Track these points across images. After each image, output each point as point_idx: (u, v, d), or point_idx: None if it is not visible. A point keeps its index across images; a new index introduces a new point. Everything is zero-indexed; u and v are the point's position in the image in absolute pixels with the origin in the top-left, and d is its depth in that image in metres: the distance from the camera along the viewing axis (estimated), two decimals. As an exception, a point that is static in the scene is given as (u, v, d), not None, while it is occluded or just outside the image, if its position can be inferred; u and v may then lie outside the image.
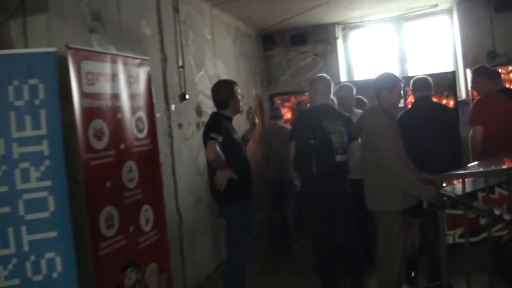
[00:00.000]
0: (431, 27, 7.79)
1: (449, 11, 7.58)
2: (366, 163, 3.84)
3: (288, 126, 6.18)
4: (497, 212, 2.71)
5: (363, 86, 6.61)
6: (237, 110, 4.13)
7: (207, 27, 5.64)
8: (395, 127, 3.80)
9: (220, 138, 3.69)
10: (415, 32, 7.82)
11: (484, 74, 4.80)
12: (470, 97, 6.96)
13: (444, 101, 6.86)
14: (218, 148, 3.65)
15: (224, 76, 5.91)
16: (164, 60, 4.52)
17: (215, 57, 5.77)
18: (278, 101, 7.44)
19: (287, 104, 7.35)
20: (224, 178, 3.78)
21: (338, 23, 7.70)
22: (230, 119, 4.04)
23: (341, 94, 5.04)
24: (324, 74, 4.56)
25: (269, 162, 6.14)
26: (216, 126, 3.80)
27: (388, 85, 3.78)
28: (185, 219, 4.62)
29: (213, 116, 4.04)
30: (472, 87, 5.06)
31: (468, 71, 6.93)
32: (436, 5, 7.26)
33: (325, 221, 4.18)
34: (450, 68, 7.50)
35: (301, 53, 7.83)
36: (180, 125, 4.72)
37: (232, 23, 6.54)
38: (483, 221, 2.95)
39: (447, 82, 6.87)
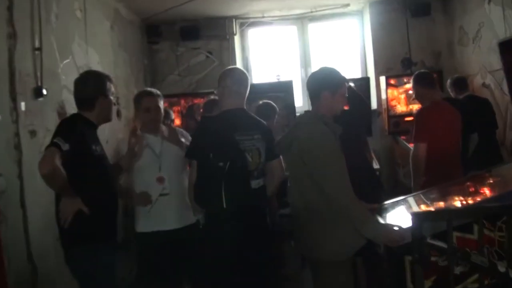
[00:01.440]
0: (339, 30, 7.02)
1: (360, 12, 6.87)
2: (300, 194, 2.81)
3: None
4: (502, 268, 1.78)
5: (262, 91, 5.69)
6: (107, 116, 2.95)
7: (77, 2, 4.27)
8: (339, 143, 2.78)
9: (66, 146, 2.56)
10: (321, 34, 7.01)
11: (426, 81, 4.00)
12: (384, 106, 6.25)
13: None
14: (58, 159, 2.52)
15: (98, 69, 4.57)
16: (12, 36, 3.15)
17: (87, 44, 4.41)
18: (164, 104, 6.14)
19: (176, 108, 6.11)
20: (69, 210, 2.61)
21: (236, 17, 6.63)
22: (95, 127, 2.89)
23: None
24: (237, 66, 3.48)
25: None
26: (66, 130, 2.68)
27: (331, 84, 2.78)
28: (41, 269, 3.26)
29: (69, 118, 2.97)
30: (416, 97, 4.21)
31: (383, 79, 6.23)
32: (348, 5, 6.48)
33: (233, 273, 2.92)
34: (358, 75, 6.79)
35: (192, 49, 6.63)
36: (33, 133, 3.35)
37: (111, 4, 5.20)
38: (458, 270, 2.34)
39: (360, 90, 6.08)
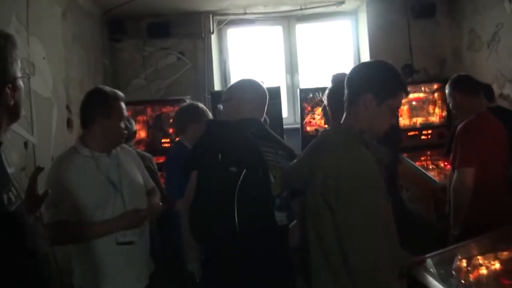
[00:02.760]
0: (329, 32, 6.19)
1: (354, 12, 6.05)
2: (318, 250, 1.90)
3: (142, 152, 4.08)
4: None
5: None
6: (15, 115, 1.61)
7: (15, -27, 3.31)
8: (386, 177, 1.90)
9: None
10: (309, 36, 6.16)
11: (469, 87, 3.16)
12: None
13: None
14: None
15: (44, 65, 3.62)
16: None
17: (29, 32, 3.43)
18: (128, 112, 5.16)
19: (141, 118, 5.15)
20: None
21: (214, 13, 5.71)
22: None
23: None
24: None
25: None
26: None
27: (380, 87, 1.88)
28: None
29: None
30: (454, 108, 3.35)
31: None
32: (342, 2, 5.63)
33: None
34: None
35: (161, 50, 5.68)
36: None
37: (63, -14, 4.24)
38: None
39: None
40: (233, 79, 6.03)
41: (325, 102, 2.61)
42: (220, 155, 2.05)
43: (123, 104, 2.49)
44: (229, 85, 2.81)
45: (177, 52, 5.69)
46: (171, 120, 4.97)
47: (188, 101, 3.44)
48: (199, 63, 5.65)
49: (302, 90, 5.25)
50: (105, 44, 5.45)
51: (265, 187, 2.12)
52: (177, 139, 3.73)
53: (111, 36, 5.60)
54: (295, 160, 2.11)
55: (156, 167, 4.04)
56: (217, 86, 5.72)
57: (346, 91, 1.94)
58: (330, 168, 1.79)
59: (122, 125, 2.43)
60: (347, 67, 6.07)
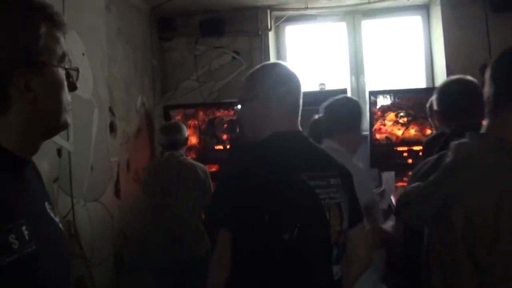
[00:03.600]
0: (399, 28, 5.57)
1: (425, 7, 5.41)
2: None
3: (194, 162, 3.66)
4: None
5: (303, 103, 4.30)
6: (47, 122, 1.11)
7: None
8: None
9: None
10: (377, 33, 5.56)
11: None
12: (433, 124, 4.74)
13: (428, 132, 4.62)
14: None
15: (83, 62, 3.21)
16: None
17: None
18: (177, 117, 4.72)
19: (192, 122, 4.68)
20: None
21: (271, 8, 5.21)
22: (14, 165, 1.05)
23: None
24: (281, 62, 2.09)
25: (158, 230, 3.48)
26: None
27: None
28: None
29: None
30: None
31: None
32: (414, -6, 5.03)
33: None
34: (422, 84, 5.36)
35: (214, 49, 5.21)
36: None
37: (108, -25, 3.82)
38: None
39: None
40: (292, 80, 5.51)
41: (434, 104, 2.06)
42: (267, 216, 1.51)
43: None
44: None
45: (231, 51, 5.20)
46: (225, 125, 4.50)
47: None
48: (255, 63, 5.08)
49: (372, 93, 4.64)
50: (154, 42, 5.02)
51: (322, 249, 1.59)
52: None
53: (161, 35, 5.18)
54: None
55: (209, 178, 3.63)
56: (274, 88, 5.21)
57: (491, 89, 1.36)
58: (479, 202, 1.23)
59: None
60: (417, 68, 5.49)
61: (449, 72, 4.97)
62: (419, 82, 5.42)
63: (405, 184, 3.38)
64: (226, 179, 1.66)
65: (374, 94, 4.62)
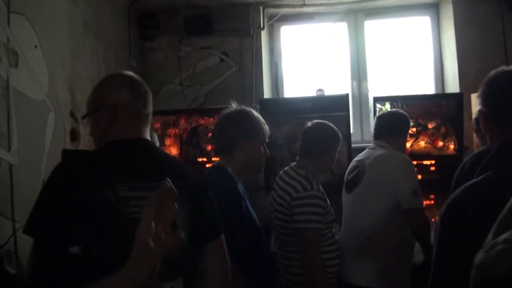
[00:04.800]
0: (404, 30, 5.05)
1: (434, 6, 4.90)
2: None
3: None
4: None
5: (300, 109, 3.95)
6: None
7: None
8: None
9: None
10: (380, 35, 5.04)
11: None
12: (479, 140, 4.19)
13: (440, 145, 4.07)
14: None
15: (35, 56, 2.67)
16: None
17: (11, 7, 2.47)
18: (156, 124, 4.18)
19: (172, 130, 4.15)
20: None
21: (265, 5, 4.67)
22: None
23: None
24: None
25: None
26: None
27: None
28: None
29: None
30: None
31: (474, 97, 4.21)
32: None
33: None
34: (431, 90, 4.84)
35: (201, 49, 4.69)
36: None
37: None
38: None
39: (446, 111, 4.08)
40: (286, 85, 4.98)
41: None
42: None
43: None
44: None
45: (219, 52, 4.67)
46: (209, 134, 3.95)
47: (234, 106, 2.37)
48: (246, 66, 4.62)
49: (376, 99, 4.10)
50: (133, 41, 4.49)
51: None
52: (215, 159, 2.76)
53: (142, 33, 4.65)
54: (492, 245, 0.95)
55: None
56: (267, 94, 4.68)
57: None
58: None
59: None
60: (426, 72, 4.97)
61: (461, 76, 4.47)
62: (428, 88, 4.90)
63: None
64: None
65: (379, 100, 4.09)
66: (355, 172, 3.08)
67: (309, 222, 2.54)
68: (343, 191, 3.18)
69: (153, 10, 4.60)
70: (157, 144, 3.21)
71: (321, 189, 2.70)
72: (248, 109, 2.44)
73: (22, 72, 2.53)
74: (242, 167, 2.37)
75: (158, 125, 4.15)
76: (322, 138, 2.76)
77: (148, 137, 1.71)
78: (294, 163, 2.82)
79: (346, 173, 3.21)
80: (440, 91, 4.83)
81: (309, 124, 2.84)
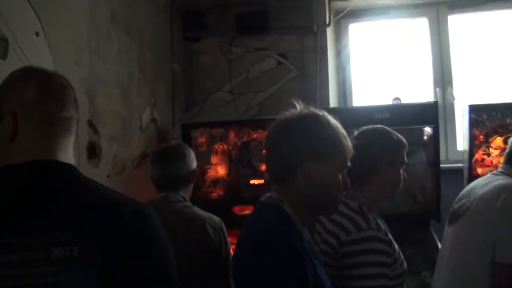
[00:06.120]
0: (493, 25, 4.20)
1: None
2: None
3: (202, 212, 2.46)
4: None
5: (365, 118, 3.05)
6: None
7: None
8: None
9: None
10: (466, 32, 4.22)
11: None
12: None
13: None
14: None
15: (36, 46, 2.04)
16: None
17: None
18: (201, 138, 3.48)
19: (219, 146, 3.45)
20: None
21: (331, -2, 3.98)
22: None
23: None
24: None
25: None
26: None
27: None
28: None
29: None
30: None
31: None
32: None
33: None
34: None
35: (255, 51, 3.99)
36: None
37: None
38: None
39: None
40: (355, 92, 4.22)
41: None
42: None
43: None
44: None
45: (276, 54, 3.96)
46: (264, 151, 3.22)
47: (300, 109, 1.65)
48: (308, 70, 3.89)
49: (473, 108, 3.26)
50: (178, 42, 3.86)
51: None
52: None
53: (186, 33, 4.01)
54: None
55: (227, 240, 2.38)
56: (333, 102, 3.93)
57: None
58: None
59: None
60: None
61: None
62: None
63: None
64: None
65: (477, 110, 3.25)
66: (464, 201, 2.33)
67: (368, 279, 1.72)
68: (446, 223, 2.45)
69: (200, 7, 3.96)
70: (193, 165, 2.49)
71: (383, 226, 1.88)
72: (321, 113, 1.64)
73: (14, 65, 1.89)
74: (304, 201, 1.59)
75: (204, 139, 3.47)
76: (371, 149, 1.92)
77: (67, 157, 1.22)
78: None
79: (455, 200, 2.45)
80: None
81: (355, 133, 2.04)
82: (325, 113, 1.62)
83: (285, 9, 3.90)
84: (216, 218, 2.39)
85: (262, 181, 3.34)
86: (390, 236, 1.84)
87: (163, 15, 3.64)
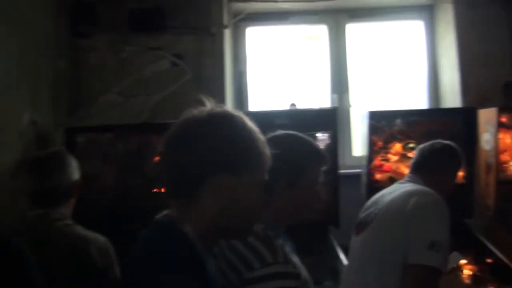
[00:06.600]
0: (393, 34, 4.30)
1: (428, 9, 4.20)
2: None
3: (86, 233, 2.15)
4: None
5: (264, 123, 2.86)
6: None
7: None
8: None
9: None
10: (366, 40, 4.28)
11: None
12: (490, 162, 3.41)
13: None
14: None
15: None
16: None
17: None
18: (88, 144, 3.21)
19: (109, 153, 3.20)
20: None
21: (230, -1, 3.85)
22: None
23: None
24: None
25: None
26: None
27: None
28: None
29: None
30: None
31: (490, 114, 3.48)
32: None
33: None
34: (423, 105, 4.14)
35: (149, 50, 3.74)
36: None
37: None
38: None
39: (455, 130, 3.32)
40: (252, 96, 4.12)
41: None
42: None
43: None
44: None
45: (172, 54, 3.75)
46: (157, 158, 3.02)
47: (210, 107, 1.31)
48: (205, 72, 3.72)
49: (372, 115, 3.26)
50: (65, 37, 3.54)
51: None
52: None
53: (75, 28, 3.69)
54: None
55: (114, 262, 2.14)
56: (230, 107, 3.79)
57: None
58: None
59: None
60: (417, 84, 4.23)
61: (464, 89, 3.75)
62: (419, 102, 4.16)
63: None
64: None
65: (375, 116, 3.27)
66: (371, 209, 2.34)
67: None
68: (353, 233, 2.43)
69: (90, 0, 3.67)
70: (75, 175, 2.23)
71: (290, 248, 1.68)
72: (236, 113, 1.31)
73: None
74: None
75: (90, 145, 3.20)
76: (276, 163, 1.39)
77: None
78: None
79: (362, 210, 2.44)
80: (434, 106, 4.10)
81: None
82: (241, 114, 1.31)
83: (182, 7, 3.71)
84: (101, 239, 2.10)
85: (157, 190, 3.11)
86: (298, 262, 1.69)
87: (49, 6, 3.32)
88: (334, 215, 3.18)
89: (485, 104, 3.58)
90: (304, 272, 1.67)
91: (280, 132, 1.77)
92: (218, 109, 1.29)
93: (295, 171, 1.66)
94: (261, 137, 1.30)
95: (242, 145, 1.25)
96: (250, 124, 1.29)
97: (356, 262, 2.31)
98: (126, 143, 3.18)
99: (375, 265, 2.17)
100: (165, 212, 1.28)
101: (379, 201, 2.35)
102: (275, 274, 1.44)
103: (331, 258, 2.96)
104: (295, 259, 1.69)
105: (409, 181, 2.41)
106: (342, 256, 2.84)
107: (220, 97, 3.66)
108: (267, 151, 1.30)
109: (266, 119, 3.10)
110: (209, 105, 1.30)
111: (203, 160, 1.21)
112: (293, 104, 3.56)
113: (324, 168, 1.75)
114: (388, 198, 2.30)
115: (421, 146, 2.56)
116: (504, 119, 3.38)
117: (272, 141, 1.38)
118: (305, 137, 1.77)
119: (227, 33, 3.86)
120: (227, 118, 1.27)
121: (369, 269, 2.19)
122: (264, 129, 2.05)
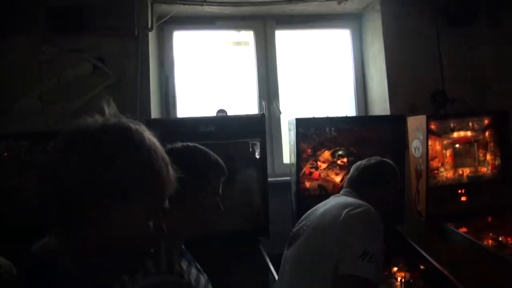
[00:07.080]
0: (323, 42, 4.33)
1: (357, 18, 4.28)
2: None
3: None
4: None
5: (189, 131, 3.00)
6: None
7: None
8: None
9: None
10: (294, 47, 4.28)
11: None
12: (421, 168, 3.48)
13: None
14: None
15: None
16: None
17: None
18: (4, 153, 2.99)
19: (27, 162, 3.01)
20: None
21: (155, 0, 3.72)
22: None
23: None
24: None
25: None
26: None
27: None
28: None
29: None
30: None
31: (419, 122, 3.58)
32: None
33: None
34: (351, 112, 4.18)
35: (69, 52, 3.54)
36: None
37: None
38: None
39: (385, 138, 3.35)
40: (180, 103, 4.01)
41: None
42: None
43: None
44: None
45: (94, 57, 3.57)
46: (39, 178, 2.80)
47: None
48: (129, 77, 3.57)
49: (300, 122, 3.22)
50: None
51: None
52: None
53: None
54: None
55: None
56: (155, 113, 3.67)
57: None
58: None
59: None
60: (345, 92, 4.26)
61: (392, 97, 3.82)
62: (348, 110, 4.19)
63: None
64: None
65: (303, 123, 3.23)
66: (303, 222, 2.31)
67: None
68: (286, 246, 2.37)
69: (5, -3, 3.45)
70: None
71: (185, 263, 1.57)
72: (135, 126, 1.15)
73: None
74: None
75: (7, 154, 3.00)
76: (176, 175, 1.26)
77: None
78: None
79: (296, 224, 2.41)
80: (362, 114, 4.15)
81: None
82: (141, 127, 1.15)
83: (104, 8, 3.54)
84: (4, 262, 1.80)
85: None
86: (199, 270, 1.61)
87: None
88: (264, 224, 3.09)
89: (414, 112, 3.68)
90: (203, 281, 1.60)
91: (179, 144, 1.67)
92: (114, 120, 1.12)
93: (196, 183, 1.57)
94: (163, 155, 1.15)
95: (134, 167, 1.08)
96: (150, 139, 1.14)
97: (287, 274, 2.26)
98: (44, 151, 2.99)
99: (306, 277, 2.12)
100: (43, 240, 1.13)
101: (312, 213, 2.33)
102: (160, 284, 1.19)
103: (261, 268, 2.90)
104: (194, 270, 1.60)
105: (344, 194, 2.40)
106: (271, 267, 2.78)
107: (144, 103, 3.54)
108: (167, 172, 1.15)
109: (192, 126, 3.04)
110: (107, 112, 1.14)
111: (87, 184, 1.03)
112: (221, 111, 3.47)
113: (223, 179, 1.68)
114: (321, 210, 2.27)
115: (357, 163, 2.56)
116: (433, 127, 3.46)
117: (172, 153, 1.23)
118: (204, 149, 1.69)
119: (152, 36, 3.73)
120: (121, 132, 1.10)
121: (301, 280, 2.15)
122: (190, 136, 2.00)
